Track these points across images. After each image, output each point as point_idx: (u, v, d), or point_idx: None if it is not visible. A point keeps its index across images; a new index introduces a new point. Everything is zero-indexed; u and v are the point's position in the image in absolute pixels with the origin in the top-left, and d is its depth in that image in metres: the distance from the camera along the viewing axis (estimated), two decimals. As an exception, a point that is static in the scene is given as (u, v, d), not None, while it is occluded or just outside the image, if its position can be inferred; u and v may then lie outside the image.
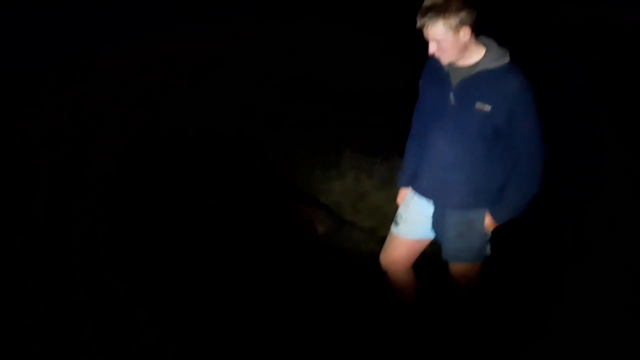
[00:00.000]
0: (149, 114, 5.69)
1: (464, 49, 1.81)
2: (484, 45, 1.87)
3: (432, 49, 1.80)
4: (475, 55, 1.84)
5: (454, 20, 1.69)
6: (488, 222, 2.02)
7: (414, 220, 2.20)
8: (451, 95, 1.88)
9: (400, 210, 2.28)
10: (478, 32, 1.83)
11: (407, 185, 2.28)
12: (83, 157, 4.48)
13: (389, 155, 5.14)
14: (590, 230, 3.35)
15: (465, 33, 1.75)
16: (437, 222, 2.11)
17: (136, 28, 7.63)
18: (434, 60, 1.93)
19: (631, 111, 5.02)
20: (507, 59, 1.82)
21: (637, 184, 3.74)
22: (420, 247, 2.29)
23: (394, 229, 2.27)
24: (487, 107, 1.79)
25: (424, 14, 1.71)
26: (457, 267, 2.17)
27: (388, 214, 4.14)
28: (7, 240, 3.17)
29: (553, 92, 5.99)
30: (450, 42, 1.73)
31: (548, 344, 2.42)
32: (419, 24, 1.75)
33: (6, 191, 3.75)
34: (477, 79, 1.82)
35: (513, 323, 2.57)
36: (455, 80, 1.87)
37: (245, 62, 8.15)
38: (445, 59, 1.83)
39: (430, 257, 2.45)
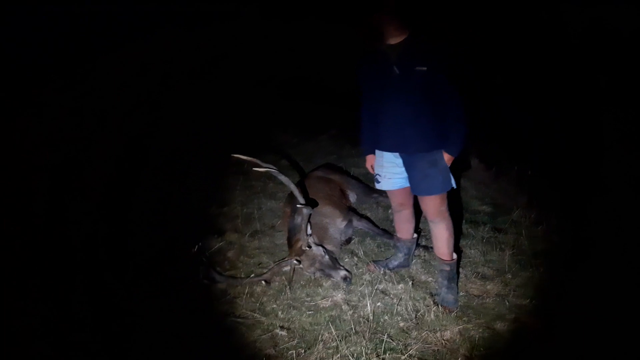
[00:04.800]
0: (149, 114, 5.70)
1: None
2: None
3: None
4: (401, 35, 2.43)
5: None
6: (447, 157, 2.58)
7: (391, 176, 2.77)
8: (395, 69, 2.43)
9: (377, 171, 2.85)
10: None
11: (371, 152, 2.89)
12: (83, 157, 4.48)
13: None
14: (590, 230, 3.36)
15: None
16: (408, 167, 2.66)
17: (136, 28, 7.63)
18: (367, 55, 2.55)
19: (631, 111, 5.01)
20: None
21: (637, 184, 3.73)
22: (408, 192, 2.85)
23: (377, 185, 2.88)
24: (424, 68, 2.38)
25: None
26: (428, 201, 2.67)
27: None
28: (7, 240, 3.17)
29: (553, 92, 6.00)
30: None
31: (549, 343, 2.43)
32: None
33: (6, 191, 3.75)
34: (410, 51, 2.42)
35: (516, 323, 2.59)
36: (393, 56, 2.43)
37: (245, 62, 8.17)
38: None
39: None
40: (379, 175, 2.83)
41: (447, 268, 2.77)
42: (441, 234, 2.75)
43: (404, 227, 3.06)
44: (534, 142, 5.03)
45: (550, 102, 5.84)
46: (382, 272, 3.04)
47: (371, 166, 2.94)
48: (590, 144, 4.77)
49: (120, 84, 6.13)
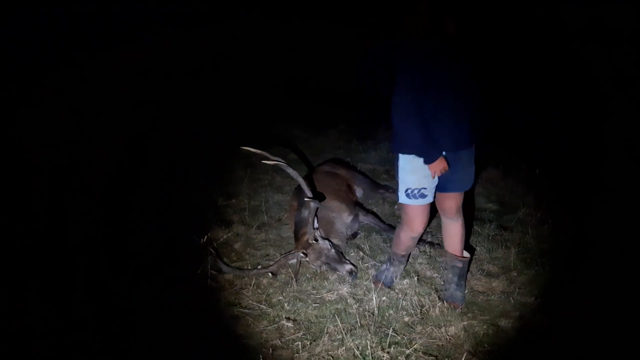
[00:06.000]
0: (149, 114, 5.70)
1: None
2: None
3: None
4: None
5: None
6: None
7: (435, 185, 2.54)
8: (459, 61, 2.33)
9: (425, 185, 2.50)
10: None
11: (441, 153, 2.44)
12: (83, 157, 4.48)
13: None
14: (590, 230, 3.37)
15: None
16: (452, 166, 2.46)
17: (136, 28, 7.64)
18: (414, 50, 2.31)
19: (631, 111, 5.02)
20: None
21: (637, 184, 3.74)
22: None
23: (422, 201, 2.54)
24: (475, 59, 2.38)
25: None
26: (459, 197, 2.62)
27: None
28: (7, 240, 3.17)
29: (553, 92, 6.01)
30: None
31: (553, 341, 2.45)
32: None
33: (6, 191, 3.75)
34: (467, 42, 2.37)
35: (520, 320, 2.60)
36: (455, 49, 2.33)
37: (245, 62, 8.17)
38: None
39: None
40: (425, 189, 2.51)
41: (460, 265, 2.76)
42: (457, 231, 2.73)
43: (414, 243, 2.89)
44: (534, 142, 5.03)
45: (550, 102, 5.84)
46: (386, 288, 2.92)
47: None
48: (590, 144, 4.77)
49: (120, 84, 6.14)
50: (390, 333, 2.46)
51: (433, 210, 2.79)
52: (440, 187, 2.58)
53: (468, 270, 2.91)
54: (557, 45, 6.62)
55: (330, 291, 2.91)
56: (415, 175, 2.48)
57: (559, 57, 6.47)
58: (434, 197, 2.63)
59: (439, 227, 3.50)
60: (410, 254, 3.07)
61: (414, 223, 2.65)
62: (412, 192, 2.52)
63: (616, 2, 6.53)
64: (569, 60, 6.30)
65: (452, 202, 2.64)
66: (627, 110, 5.01)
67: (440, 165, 2.42)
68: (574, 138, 4.95)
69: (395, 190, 3.29)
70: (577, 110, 5.44)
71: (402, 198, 2.57)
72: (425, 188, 2.50)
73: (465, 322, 2.56)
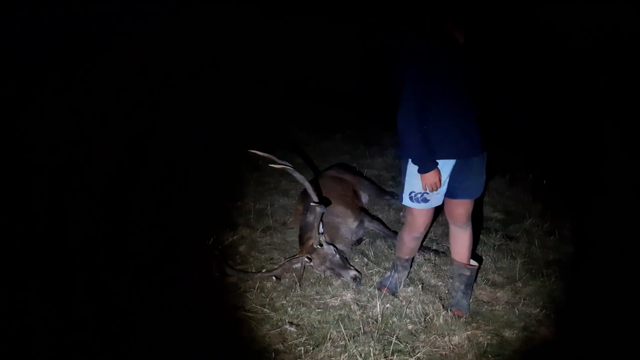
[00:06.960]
0: (149, 114, 5.70)
1: None
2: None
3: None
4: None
5: None
6: None
7: (442, 191, 2.53)
8: (470, 68, 2.34)
9: (425, 189, 2.51)
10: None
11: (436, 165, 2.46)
12: (83, 158, 4.48)
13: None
14: (590, 230, 3.36)
15: None
16: (462, 173, 2.48)
17: (136, 28, 7.63)
18: (438, 48, 2.29)
19: (631, 111, 5.02)
20: None
21: (637, 184, 3.74)
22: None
23: (426, 205, 2.58)
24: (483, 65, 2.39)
25: None
26: (470, 204, 2.63)
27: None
28: (7, 240, 3.17)
29: (553, 92, 6.01)
30: None
31: (558, 353, 2.45)
32: None
33: (6, 191, 3.75)
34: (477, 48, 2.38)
35: (525, 331, 2.59)
36: (466, 55, 2.33)
37: (245, 62, 8.18)
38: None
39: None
40: (428, 194, 2.52)
41: (468, 273, 2.75)
42: (466, 239, 2.73)
43: (417, 245, 2.90)
44: (534, 142, 5.03)
45: (550, 102, 5.85)
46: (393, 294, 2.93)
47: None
48: (590, 145, 4.77)
49: (120, 84, 6.13)
50: (393, 341, 2.46)
51: (437, 214, 2.80)
52: (450, 194, 2.58)
53: (475, 279, 2.90)
54: (556, 45, 6.62)
55: (334, 297, 2.90)
56: (420, 180, 2.49)
57: (559, 57, 6.47)
58: (442, 203, 2.63)
59: (444, 235, 3.52)
60: (413, 258, 3.06)
61: (417, 223, 2.69)
62: (415, 195, 2.56)
63: (616, 2, 6.53)
64: (569, 60, 6.30)
65: (462, 209, 2.63)
66: (627, 110, 5.01)
67: (432, 178, 2.42)
68: (574, 138, 4.95)
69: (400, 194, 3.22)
70: (577, 111, 5.44)
71: (406, 200, 2.61)
72: (427, 193, 2.52)
73: (469, 332, 2.55)
